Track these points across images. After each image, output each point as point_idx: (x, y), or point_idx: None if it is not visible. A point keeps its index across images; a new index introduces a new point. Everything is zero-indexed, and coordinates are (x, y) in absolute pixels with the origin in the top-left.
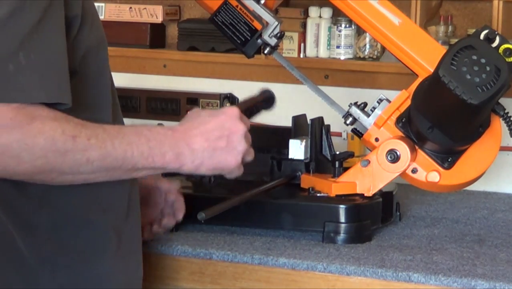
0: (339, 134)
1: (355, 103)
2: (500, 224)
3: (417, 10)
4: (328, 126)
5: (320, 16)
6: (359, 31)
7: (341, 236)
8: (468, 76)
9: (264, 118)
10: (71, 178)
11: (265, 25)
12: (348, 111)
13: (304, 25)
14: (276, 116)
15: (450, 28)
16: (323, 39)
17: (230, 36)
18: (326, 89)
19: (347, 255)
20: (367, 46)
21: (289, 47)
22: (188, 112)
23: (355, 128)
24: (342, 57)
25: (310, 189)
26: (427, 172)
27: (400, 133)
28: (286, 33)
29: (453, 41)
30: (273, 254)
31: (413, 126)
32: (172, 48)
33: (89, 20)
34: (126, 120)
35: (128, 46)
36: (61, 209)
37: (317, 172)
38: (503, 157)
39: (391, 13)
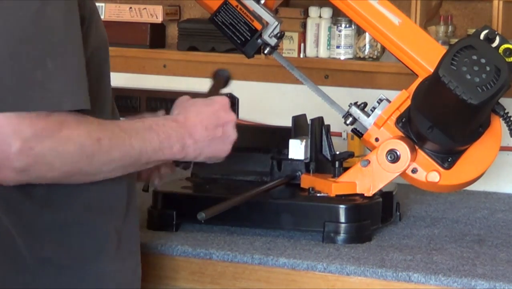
0: (339, 134)
1: (355, 103)
2: (500, 224)
3: (417, 10)
4: (328, 126)
5: (320, 16)
6: (359, 31)
7: (341, 236)
8: (468, 76)
9: (264, 118)
10: (91, 178)
11: (265, 25)
12: (348, 111)
13: (304, 25)
14: (276, 116)
15: (450, 28)
16: (323, 39)
17: (230, 36)
18: (326, 89)
19: (347, 255)
20: (367, 46)
21: (289, 47)
22: (179, 98)
23: (355, 128)
24: (342, 57)
25: (310, 189)
26: (427, 172)
27: (400, 133)
28: (286, 33)
29: (453, 41)
30: (273, 254)
31: (413, 126)
32: (172, 48)
33: (94, 20)
34: None
35: (128, 46)
36: (63, 209)
37: (317, 172)
38: (503, 157)
39: (391, 13)
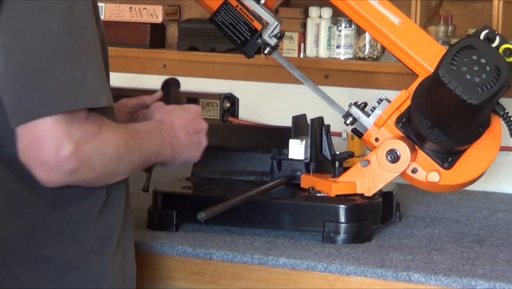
0: (339, 134)
1: (355, 103)
2: (500, 224)
3: (417, 10)
4: (328, 126)
5: (320, 16)
6: (359, 31)
7: (341, 236)
8: (468, 76)
9: (264, 118)
10: (113, 179)
11: (265, 25)
12: (348, 111)
13: (304, 25)
14: (276, 116)
15: (450, 28)
16: (323, 39)
17: (230, 36)
18: (326, 89)
19: (347, 255)
20: (367, 46)
21: (289, 47)
22: (154, 104)
23: (355, 128)
24: (342, 57)
25: (310, 189)
26: (427, 172)
27: (400, 133)
28: (286, 33)
29: (453, 41)
30: (273, 254)
31: (413, 127)
32: (172, 48)
33: (98, 18)
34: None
35: (128, 46)
36: (69, 210)
37: (317, 172)
38: (503, 157)
39: (391, 13)
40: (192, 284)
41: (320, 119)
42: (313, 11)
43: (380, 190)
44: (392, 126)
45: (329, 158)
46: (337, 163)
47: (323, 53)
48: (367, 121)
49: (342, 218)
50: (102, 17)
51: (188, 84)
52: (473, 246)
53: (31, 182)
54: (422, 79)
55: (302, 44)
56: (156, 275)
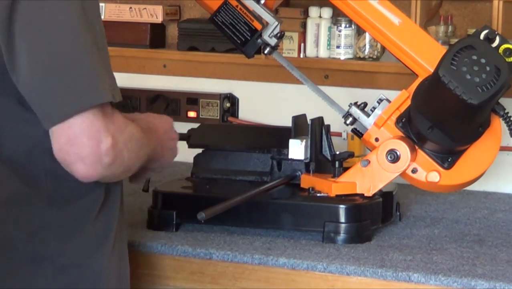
0: (339, 134)
1: (355, 103)
2: (500, 224)
3: (417, 10)
4: (328, 126)
5: (320, 16)
6: (359, 31)
7: (341, 236)
8: (468, 76)
9: (264, 118)
10: (129, 173)
11: (265, 25)
12: (348, 111)
13: (304, 25)
14: (276, 116)
15: (450, 28)
16: (323, 39)
17: (230, 36)
18: (326, 89)
19: (347, 255)
20: (367, 46)
21: (289, 47)
22: (132, 114)
23: (355, 128)
24: (342, 57)
25: (310, 189)
26: (427, 172)
27: (400, 133)
28: (286, 33)
29: (453, 41)
30: (273, 254)
31: (413, 127)
32: (172, 48)
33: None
34: None
35: (128, 46)
36: (68, 207)
37: (317, 172)
38: (503, 157)
39: (391, 13)
40: (192, 284)
41: (320, 119)
42: (313, 11)
43: (380, 190)
44: (392, 126)
45: (329, 158)
46: (337, 163)
47: (323, 53)
48: (367, 121)
49: (342, 218)
50: (102, 17)
51: (188, 84)
52: (473, 246)
53: (30, 181)
54: (422, 79)
55: (302, 44)
56: (156, 275)
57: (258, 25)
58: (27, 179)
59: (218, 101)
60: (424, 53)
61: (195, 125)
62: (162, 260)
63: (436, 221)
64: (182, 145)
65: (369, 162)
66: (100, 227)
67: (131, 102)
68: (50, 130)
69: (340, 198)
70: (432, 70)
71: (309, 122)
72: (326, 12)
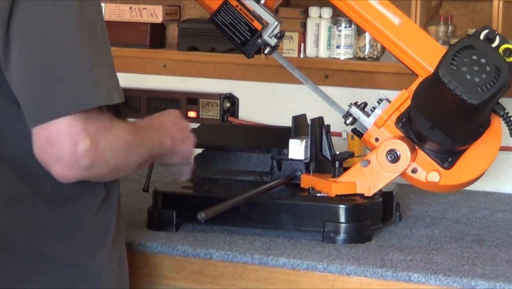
0: (339, 134)
1: (355, 103)
2: (500, 224)
3: (417, 10)
4: (328, 126)
5: (320, 16)
6: (359, 31)
7: (341, 236)
8: (468, 76)
9: (264, 118)
10: (122, 173)
11: (265, 25)
12: (348, 111)
13: (304, 25)
14: (276, 116)
15: (450, 28)
16: (323, 39)
17: (230, 36)
18: (326, 89)
19: (347, 255)
20: (367, 46)
21: (289, 47)
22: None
23: (355, 128)
24: (342, 57)
25: (310, 189)
26: (427, 172)
27: (400, 133)
28: (286, 33)
29: (453, 41)
30: (273, 254)
31: (413, 126)
32: (172, 48)
33: None
34: None
35: (128, 46)
36: (68, 206)
37: (317, 172)
38: (503, 157)
39: (391, 13)
40: (192, 284)
41: (320, 119)
42: (313, 11)
43: (380, 190)
44: (392, 126)
45: (329, 158)
46: (337, 163)
47: (323, 53)
48: (367, 121)
49: (342, 218)
50: None
51: (188, 84)
52: (473, 246)
53: (31, 180)
54: (422, 79)
55: (302, 44)
56: (156, 275)
57: (258, 25)
58: (27, 178)
59: (218, 101)
60: (424, 53)
61: (195, 125)
62: (162, 260)
63: (436, 221)
64: None
65: (369, 162)
66: (100, 226)
67: (131, 102)
68: (32, 130)
69: (340, 198)
70: (432, 70)
71: (309, 122)
72: (326, 12)
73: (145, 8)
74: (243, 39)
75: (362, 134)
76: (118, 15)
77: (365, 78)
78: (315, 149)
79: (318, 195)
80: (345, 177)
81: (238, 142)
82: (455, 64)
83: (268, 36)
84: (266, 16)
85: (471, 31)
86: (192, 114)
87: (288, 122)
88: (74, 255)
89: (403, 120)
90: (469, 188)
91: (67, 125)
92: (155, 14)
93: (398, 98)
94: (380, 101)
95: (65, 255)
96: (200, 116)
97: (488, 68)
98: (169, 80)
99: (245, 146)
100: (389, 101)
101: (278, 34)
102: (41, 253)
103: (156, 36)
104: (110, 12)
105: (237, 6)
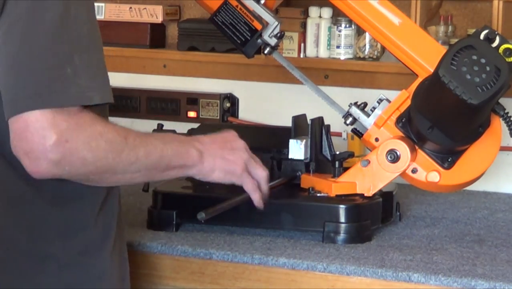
0: (339, 134)
1: (355, 103)
2: (500, 224)
3: (417, 10)
4: (328, 126)
5: (320, 16)
6: (359, 31)
7: (341, 236)
8: (468, 76)
9: (264, 118)
10: (119, 177)
11: (265, 25)
12: (348, 111)
13: (304, 25)
14: (276, 116)
15: (450, 28)
16: (323, 39)
17: (230, 36)
18: (326, 89)
19: (347, 255)
20: (367, 46)
21: (289, 47)
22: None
23: (355, 128)
24: (342, 57)
25: (310, 189)
26: (427, 172)
27: (400, 133)
28: (286, 33)
29: (453, 41)
30: (273, 254)
31: (413, 126)
32: (172, 48)
33: None
34: (126, 120)
35: (128, 46)
36: (70, 206)
37: (317, 172)
38: (503, 157)
39: (391, 13)
40: (192, 284)
41: (320, 119)
42: (313, 11)
43: (380, 190)
44: (392, 126)
45: (329, 158)
46: (337, 163)
47: (323, 53)
48: (367, 121)
49: (342, 218)
50: (102, 17)
51: (188, 84)
52: (473, 246)
53: (33, 179)
54: (422, 79)
55: (302, 44)
56: (156, 275)
57: (258, 25)
58: (28, 178)
59: (218, 101)
60: (424, 53)
61: (195, 125)
62: (162, 260)
63: (436, 221)
64: None
65: (369, 162)
66: (101, 226)
67: (131, 102)
68: (8, 122)
69: (340, 198)
70: (432, 70)
71: (309, 122)
72: (326, 12)
73: (145, 8)
74: (243, 39)
75: (362, 134)
76: (118, 15)
77: (365, 78)
78: (315, 149)
79: (318, 195)
80: (345, 177)
81: None
82: (455, 64)
83: (268, 36)
84: (266, 16)
85: (471, 31)
86: (192, 114)
87: (288, 122)
88: (77, 255)
89: (403, 120)
90: (469, 188)
91: (34, 119)
92: (155, 14)
93: (398, 98)
94: (380, 101)
95: (68, 254)
96: (200, 116)
97: (488, 68)
98: (169, 80)
99: None
100: (389, 101)
101: (278, 34)
102: (44, 253)
103: (156, 36)
104: (110, 12)
105: (237, 6)
